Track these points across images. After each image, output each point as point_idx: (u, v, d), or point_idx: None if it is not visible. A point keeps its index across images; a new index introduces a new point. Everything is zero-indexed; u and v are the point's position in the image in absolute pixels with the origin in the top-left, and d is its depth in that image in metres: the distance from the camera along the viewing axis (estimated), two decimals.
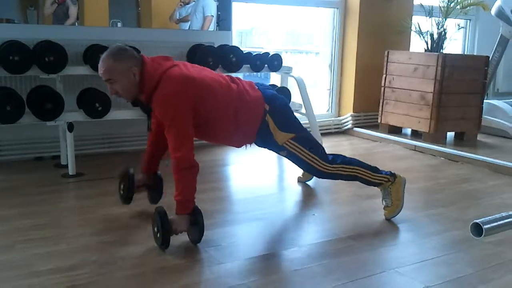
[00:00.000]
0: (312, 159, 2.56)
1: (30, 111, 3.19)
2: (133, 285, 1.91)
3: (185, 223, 2.20)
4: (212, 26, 4.49)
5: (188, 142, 2.23)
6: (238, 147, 2.62)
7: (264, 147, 2.64)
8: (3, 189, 3.02)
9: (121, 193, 2.62)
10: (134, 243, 2.27)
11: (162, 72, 2.26)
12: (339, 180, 2.71)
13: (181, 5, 4.49)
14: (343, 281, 1.96)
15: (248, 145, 2.61)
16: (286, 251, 2.26)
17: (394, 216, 2.63)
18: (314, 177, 3.28)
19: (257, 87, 2.51)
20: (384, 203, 2.67)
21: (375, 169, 2.68)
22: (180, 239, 2.25)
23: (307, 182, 3.27)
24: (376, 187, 2.69)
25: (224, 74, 2.52)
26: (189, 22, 4.51)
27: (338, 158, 2.63)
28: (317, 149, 2.59)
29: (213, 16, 4.46)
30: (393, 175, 2.67)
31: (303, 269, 2.08)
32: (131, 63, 2.25)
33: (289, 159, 2.62)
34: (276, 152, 2.64)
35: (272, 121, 2.45)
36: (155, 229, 2.21)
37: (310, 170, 2.69)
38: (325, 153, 2.62)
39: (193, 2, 4.50)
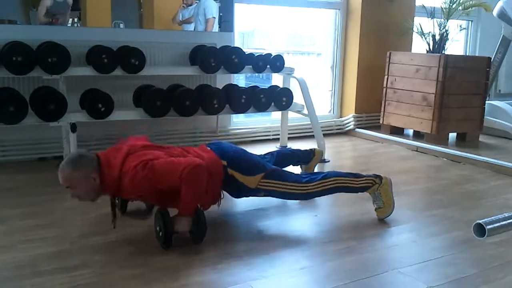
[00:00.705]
0: (291, 187, 2.55)
1: (33, 112, 3.20)
2: (136, 284, 1.91)
3: (188, 224, 2.21)
4: (214, 27, 4.50)
5: (177, 162, 2.23)
6: (207, 209, 2.46)
7: (243, 197, 2.65)
8: (7, 189, 3.03)
9: (116, 202, 2.63)
10: (136, 242, 2.28)
11: (120, 165, 2.25)
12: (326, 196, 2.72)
13: (183, 6, 4.50)
14: (345, 282, 1.97)
15: (220, 202, 2.58)
16: (288, 252, 2.26)
17: (387, 216, 2.64)
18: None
19: (209, 148, 2.53)
20: (375, 205, 2.67)
21: (357, 175, 2.68)
22: (182, 238, 2.26)
23: None
24: (365, 192, 2.68)
25: (175, 146, 2.51)
26: (192, 24, 4.52)
27: (314, 176, 2.63)
28: (289, 176, 2.60)
29: (215, 17, 4.47)
30: (378, 176, 2.67)
31: (305, 270, 2.09)
32: (90, 169, 2.24)
33: (269, 196, 2.61)
34: (255, 196, 2.61)
35: (236, 172, 2.47)
36: (158, 228, 2.23)
37: (293, 197, 2.71)
38: (297, 176, 2.64)
39: (196, 4, 4.51)
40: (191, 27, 4.54)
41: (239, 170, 2.48)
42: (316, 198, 3.09)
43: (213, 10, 4.44)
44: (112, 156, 2.31)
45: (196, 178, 2.20)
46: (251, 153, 2.65)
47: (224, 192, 2.58)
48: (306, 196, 2.67)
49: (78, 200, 2.33)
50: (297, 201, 2.96)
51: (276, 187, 2.53)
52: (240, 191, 2.55)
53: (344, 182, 2.64)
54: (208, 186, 2.32)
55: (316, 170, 3.31)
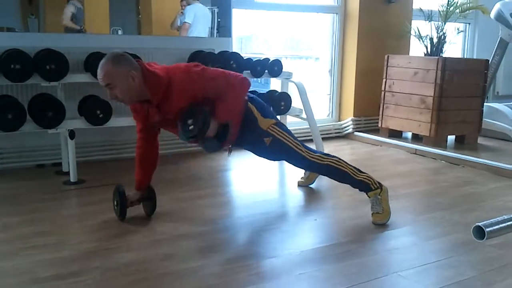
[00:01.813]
0: (296, 145, 2.65)
1: (31, 119, 3.20)
2: None
3: (214, 129, 2.38)
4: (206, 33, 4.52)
5: (233, 74, 2.48)
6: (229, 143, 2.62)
7: (250, 144, 2.66)
8: (5, 197, 3.02)
9: (115, 209, 2.64)
10: (136, 249, 2.28)
11: (166, 69, 2.38)
12: (334, 181, 2.77)
13: (181, 12, 4.51)
14: (345, 286, 1.96)
15: (231, 150, 2.72)
16: (288, 256, 2.26)
17: (382, 223, 2.62)
18: (315, 181, 3.29)
19: None
20: (373, 210, 2.66)
21: (358, 169, 2.71)
22: (182, 244, 2.26)
23: (310, 186, 3.27)
24: (366, 195, 2.68)
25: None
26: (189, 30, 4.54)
27: (317, 150, 2.78)
28: (295, 137, 2.69)
29: (189, 23, 4.48)
30: (378, 182, 2.69)
31: (305, 274, 2.08)
32: (130, 67, 2.31)
33: (273, 149, 2.62)
34: (261, 144, 2.62)
35: (254, 107, 2.59)
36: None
37: (294, 157, 2.69)
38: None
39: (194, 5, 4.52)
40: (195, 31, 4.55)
41: (257, 107, 2.60)
42: (315, 201, 3.10)
43: (189, 15, 4.42)
44: (150, 64, 2.41)
45: (243, 89, 2.46)
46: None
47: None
48: (307, 163, 2.69)
49: (115, 100, 2.40)
50: (294, 195, 2.97)
51: (283, 138, 2.61)
52: (251, 129, 2.58)
53: (345, 167, 2.69)
54: None
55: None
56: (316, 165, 2.69)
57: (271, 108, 2.78)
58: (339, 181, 2.75)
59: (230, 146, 2.68)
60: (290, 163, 2.81)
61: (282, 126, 2.66)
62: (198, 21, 4.41)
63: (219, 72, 2.48)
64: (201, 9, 4.49)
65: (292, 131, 2.72)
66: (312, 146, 4.02)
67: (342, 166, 2.69)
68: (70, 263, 2.11)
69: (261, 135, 2.59)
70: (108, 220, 2.62)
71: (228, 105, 2.41)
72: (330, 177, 2.79)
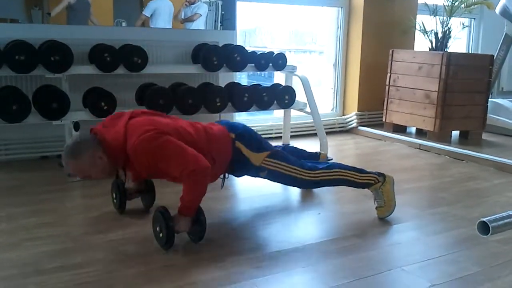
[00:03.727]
0: (295, 170, 2.56)
1: (36, 111, 3.20)
2: (140, 283, 1.91)
3: (188, 224, 2.20)
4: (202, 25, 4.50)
5: (189, 152, 2.19)
6: (213, 181, 2.48)
7: (244, 175, 2.63)
8: (9, 188, 3.03)
9: (114, 202, 2.64)
10: (140, 241, 2.28)
11: (123, 128, 2.24)
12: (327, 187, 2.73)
13: (186, 4, 4.49)
14: (349, 279, 1.97)
15: (225, 179, 2.59)
16: (292, 250, 2.26)
17: (387, 216, 2.63)
18: None
19: (217, 123, 2.56)
20: (376, 203, 2.66)
21: (360, 170, 2.68)
22: (186, 237, 2.26)
23: None
24: (367, 189, 2.68)
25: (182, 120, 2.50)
26: (195, 22, 4.52)
27: (319, 165, 2.65)
28: (293, 160, 2.60)
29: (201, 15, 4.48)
30: (381, 175, 2.67)
31: (309, 267, 2.08)
32: (90, 151, 2.22)
33: (271, 179, 2.60)
34: (257, 176, 2.59)
35: (243, 145, 2.46)
36: (157, 228, 2.20)
37: (295, 183, 2.69)
38: (301, 161, 2.64)
39: (199, 2, 4.51)
40: (193, 25, 4.54)
41: (246, 145, 2.47)
42: (319, 195, 3.10)
43: (148, 9, 4.41)
44: (111, 125, 2.29)
45: (202, 180, 2.19)
46: (259, 134, 2.66)
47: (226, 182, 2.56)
48: (308, 184, 2.66)
49: (91, 179, 2.33)
50: (298, 189, 2.97)
51: (280, 168, 2.53)
52: (244, 168, 2.52)
53: (346, 175, 2.65)
54: (216, 158, 2.34)
55: None
56: (319, 183, 2.66)
57: (261, 140, 2.59)
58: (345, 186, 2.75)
59: (223, 178, 2.58)
60: (294, 186, 2.81)
61: (276, 155, 2.55)
62: (159, 16, 4.39)
63: (181, 153, 2.18)
64: (164, 3, 4.46)
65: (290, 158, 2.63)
66: (316, 140, 4.03)
67: (344, 176, 2.65)
68: (74, 255, 2.12)
69: (256, 170, 2.53)
70: (112, 212, 2.63)
71: (187, 199, 2.17)
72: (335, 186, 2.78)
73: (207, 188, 2.23)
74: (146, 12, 4.35)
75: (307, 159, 3.18)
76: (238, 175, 2.65)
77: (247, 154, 2.47)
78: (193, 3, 4.50)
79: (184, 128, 2.34)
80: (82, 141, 2.27)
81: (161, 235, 2.18)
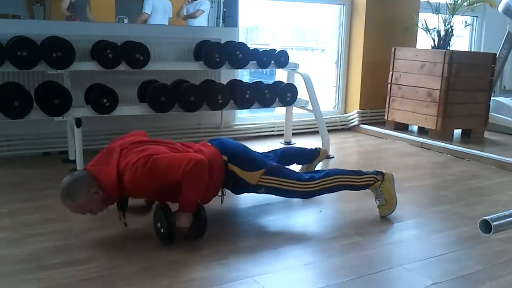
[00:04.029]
0: (292, 185, 2.53)
1: (38, 107, 3.20)
2: (142, 279, 1.91)
3: (189, 220, 2.19)
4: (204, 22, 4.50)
5: (179, 157, 2.21)
6: (207, 202, 2.45)
7: (243, 193, 2.62)
8: (12, 184, 3.04)
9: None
10: (142, 237, 2.28)
11: (115, 167, 2.22)
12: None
13: (188, 1, 4.49)
14: (350, 277, 1.97)
15: (223, 196, 2.57)
16: (293, 247, 2.26)
17: (389, 214, 2.63)
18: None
19: (209, 144, 2.53)
20: (378, 202, 2.66)
21: (358, 172, 2.68)
22: (187, 235, 2.26)
23: None
24: (368, 189, 2.68)
25: (175, 142, 2.48)
26: (197, 19, 4.52)
27: (316, 175, 2.62)
28: (290, 174, 2.57)
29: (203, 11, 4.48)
30: (380, 173, 2.67)
31: (310, 265, 2.09)
32: (86, 189, 2.19)
33: (270, 193, 2.58)
34: (256, 192, 2.57)
35: (237, 168, 2.45)
36: (159, 225, 2.21)
37: (294, 195, 2.67)
38: (298, 174, 2.63)
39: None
40: (195, 22, 4.53)
41: (240, 166, 2.46)
42: None
43: (148, 6, 4.40)
44: (104, 163, 2.26)
45: (198, 173, 2.18)
46: (252, 150, 2.64)
47: (226, 190, 2.57)
48: (307, 195, 2.65)
49: (94, 214, 2.29)
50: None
51: (277, 184, 2.50)
52: (241, 187, 2.53)
53: (345, 180, 2.63)
54: (209, 179, 2.31)
55: (318, 167, 3.30)
56: (318, 192, 2.63)
57: (254, 158, 2.56)
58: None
59: (222, 195, 2.56)
60: (293, 198, 2.80)
61: (272, 171, 2.51)
62: (157, 13, 4.39)
63: (171, 161, 2.20)
64: (160, 0, 4.46)
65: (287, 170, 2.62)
66: (318, 138, 4.03)
67: (342, 181, 2.63)
68: (77, 251, 2.12)
69: (253, 189, 2.52)
70: (114, 208, 2.62)
71: (187, 194, 2.17)
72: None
73: (205, 182, 2.22)
74: (147, 10, 4.34)
75: (307, 157, 3.19)
76: (237, 193, 2.65)
77: (242, 175, 2.45)
78: (195, 0, 4.50)
79: (177, 150, 2.34)
80: (75, 181, 2.22)
81: (162, 231, 2.18)
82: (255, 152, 2.65)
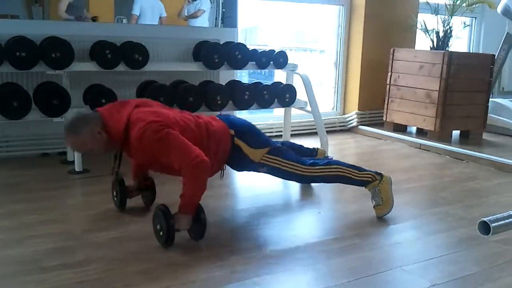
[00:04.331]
0: (293, 166, 2.57)
1: (36, 107, 3.20)
2: (141, 281, 1.91)
3: (189, 221, 2.19)
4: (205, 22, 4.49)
5: (190, 147, 2.20)
6: (211, 176, 2.46)
7: (244, 170, 2.65)
8: (10, 185, 3.03)
9: (114, 199, 2.64)
10: (141, 239, 2.28)
11: (126, 117, 2.26)
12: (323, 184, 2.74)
13: (188, 1, 4.49)
14: (348, 279, 1.97)
15: (224, 170, 2.62)
16: (292, 249, 2.26)
17: (385, 214, 2.63)
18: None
19: (218, 118, 2.56)
20: (374, 202, 2.66)
21: (358, 168, 2.69)
22: (186, 235, 2.26)
23: None
24: (364, 188, 2.68)
25: (185, 112, 2.53)
26: (198, 19, 4.52)
27: (318, 161, 2.67)
28: (293, 156, 2.62)
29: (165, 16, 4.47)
30: (379, 174, 2.68)
31: (309, 267, 2.09)
32: (90, 127, 2.23)
33: (270, 174, 2.61)
34: (256, 171, 2.61)
35: (243, 143, 2.48)
36: (158, 226, 2.20)
37: (294, 178, 2.69)
38: (301, 158, 2.66)
39: None
40: (197, 21, 4.53)
41: (246, 141, 2.49)
42: (319, 194, 3.10)
43: (136, 7, 4.40)
44: (115, 110, 2.31)
45: (203, 173, 2.20)
46: (258, 129, 2.67)
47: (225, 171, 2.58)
48: (307, 179, 2.68)
49: (92, 154, 2.36)
50: (298, 188, 2.97)
51: (279, 164, 2.54)
52: (243, 163, 2.54)
53: (345, 172, 2.66)
54: (215, 155, 2.36)
55: None
56: (318, 178, 2.67)
57: (260, 136, 2.61)
58: (343, 183, 2.75)
59: (222, 169, 2.61)
60: (292, 181, 2.82)
61: (276, 151, 2.56)
62: (145, 13, 4.38)
63: (181, 146, 2.20)
64: (149, 1, 4.45)
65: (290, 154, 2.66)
66: (317, 139, 4.04)
67: (344, 172, 2.66)
68: (76, 252, 2.12)
69: (256, 167, 2.56)
70: (113, 209, 2.63)
71: (188, 195, 2.18)
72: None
73: (206, 184, 2.23)
74: (135, 11, 4.34)
75: (305, 155, 3.19)
76: (238, 169, 2.67)
77: (247, 151, 2.49)
78: (195, 0, 4.50)
79: (186, 124, 2.36)
80: (81, 117, 2.30)
81: (161, 233, 2.18)
82: (261, 131, 2.68)
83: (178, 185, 2.22)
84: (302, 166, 2.59)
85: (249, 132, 2.56)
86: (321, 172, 2.63)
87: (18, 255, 2.09)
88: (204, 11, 4.52)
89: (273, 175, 2.65)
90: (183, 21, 4.57)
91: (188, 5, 4.50)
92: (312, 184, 3.23)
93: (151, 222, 2.26)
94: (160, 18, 4.42)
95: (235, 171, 2.77)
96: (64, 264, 2.01)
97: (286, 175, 2.64)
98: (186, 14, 4.53)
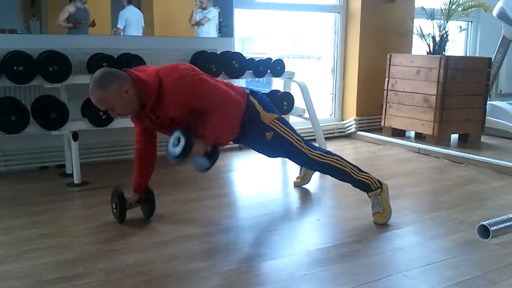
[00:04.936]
0: (298, 141, 2.63)
1: (34, 121, 3.21)
2: None
3: (203, 151, 2.31)
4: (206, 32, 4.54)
5: (224, 89, 2.38)
6: (225, 144, 2.65)
7: (251, 135, 2.60)
8: (9, 199, 3.03)
9: (114, 212, 2.64)
10: (140, 250, 2.28)
11: (155, 73, 2.32)
12: (332, 178, 2.77)
13: (199, 9, 4.52)
14: (349, 286, 1.96)
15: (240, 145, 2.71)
16: (292, 257, 2.26)
17: (385, 222, 2.62)
18: (312, 180, 3.27)
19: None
20: (374, 210, 2.65)
21: (359, 168, 2.71)
22: (186, 245, 2.26)
23: (304, 186, 3.27)
24: (367, 195, 2.67)
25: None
26: (204, 26, 4.54)
27: (321, 149, 2.75)
28: (298, 134, 2.67)
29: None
30: (379, 181, 2.68)
31: (309, 274, 2.08)
32: (119, 83, 2.24)
33: (274, 145, 2.62)
34: (262, 140, 2.60)
35: (256, 101, 2.56)
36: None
37: (295, 155, 2.69)
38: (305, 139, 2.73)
39: (211, 8, 4.52)
40: (203, 29, 4.56)
41: (259, 101, 2.58)
42: (318, 201, 3.10)
43: (121, 21, 4.42)
44: (142, 70, 2.37)
45: (235, 109, 2.37)
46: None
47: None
48: (306, 159, 2.67)
49: (120, 117, 2.39)
50: (298, 196, 2.96)
51: (285, 133, 2.60)
52: (254, 123, 2.55)
53: (345, 166, 2.68)
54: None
55: (316, 175, 3.30)
56: (316, 163, 2.68)
57: (272, 105, 2.73)
58: (340, 180, 2.74)
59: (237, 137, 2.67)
60: (290, 159, 2.82)
61: (284, 121, 2.65)
62: (131, 24, 4.41)
63: (215, 88, 2.36)
64: (133, 12, 4.47)
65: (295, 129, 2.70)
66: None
67: (342, 165, 2.68)
68: (75, 265, 2.11)
69: (263, 129, 2.57)
70: (112, 221, 2.62)
71: (217, 128, 2.33)
72: (330, 175, 2.78)
73: (233, 124, 2.42)
74: (120, 25, 4.35)
75: None
76: (246, 135, 2.60)
77: (259, 109, 2.56)
78: (204, 9, 4.53)
79: (211, 77, 2.47)
80: (112, 73, 2.30)
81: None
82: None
83: (178, 196, 2.22)
84: (304, 144, 2.65)
85: (263, 97, 2.65)
86: (321, 158, 2.66)
87: (17, 269, 2.08)
88: (210, 20, 4.55)
89: (275, 147, 2.65)
90: (188, 29, 4.59)
91: (198, 13, 4.54)
92: (311, 191, 3.24)
93: (151, 234, 2.26)
94: (142, 28, 4.46)
95: (237, 172, 2.76)
96: (63, 278, 2.00)
97: (288, 148, 2.63)
98: (196, 19, 4.57)
